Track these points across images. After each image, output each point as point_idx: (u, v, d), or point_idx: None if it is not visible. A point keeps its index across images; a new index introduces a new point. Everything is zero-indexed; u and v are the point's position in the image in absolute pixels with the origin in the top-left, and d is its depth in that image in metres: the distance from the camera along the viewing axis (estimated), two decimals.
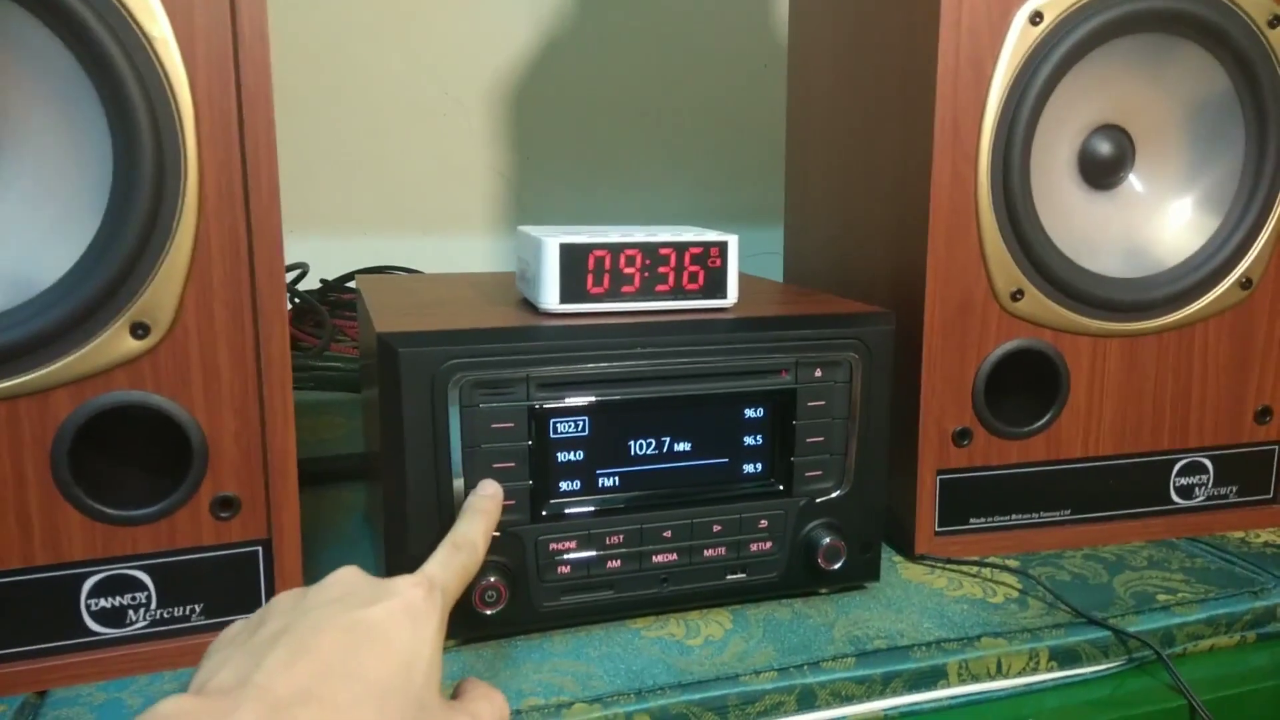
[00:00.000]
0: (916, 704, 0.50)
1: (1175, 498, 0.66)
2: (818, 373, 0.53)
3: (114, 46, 0.42)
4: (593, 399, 0.50)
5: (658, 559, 0.52)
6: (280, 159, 0.46)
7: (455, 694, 0.41)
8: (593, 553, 0.51)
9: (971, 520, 0.62)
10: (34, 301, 0.43)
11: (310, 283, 1.09)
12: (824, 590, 0.57)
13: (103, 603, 0.47)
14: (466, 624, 0.49)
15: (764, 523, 0.54)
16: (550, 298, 0.52)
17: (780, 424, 0.54)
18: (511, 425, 0.49)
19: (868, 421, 0.54)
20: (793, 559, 0.55)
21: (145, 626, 0.48)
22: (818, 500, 0.54)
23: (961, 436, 0.61)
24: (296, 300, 1.05)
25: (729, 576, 0.54)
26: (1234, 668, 0.55)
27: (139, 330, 0.45)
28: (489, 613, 0.49)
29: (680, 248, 0.53)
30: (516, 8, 1.15)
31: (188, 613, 0.48)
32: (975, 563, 0.61)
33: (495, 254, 1.20)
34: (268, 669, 0.33)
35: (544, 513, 0.50)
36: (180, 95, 0.44)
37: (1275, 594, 0.57)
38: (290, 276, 1.06)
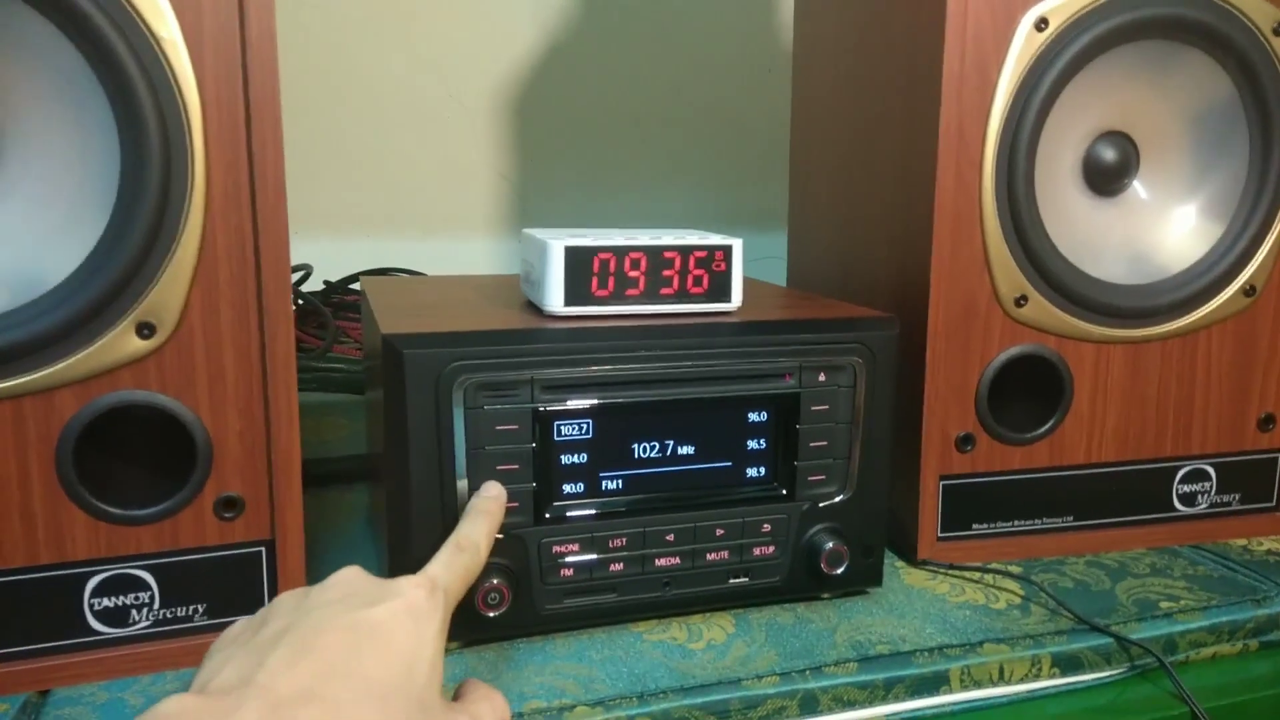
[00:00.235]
0: (919, 709, 0.50)
1: (1178, 505, 0.66)
2: (821, 377, 0.54)
3: (122, 47, 0.42)
4: (596, 402, 0.50)
5: (660, 562, 0.52)
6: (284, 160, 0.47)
7: (456, 695, 0.41)
8: (595, 555, 0.51)
9: (974, 526, 0.62)
10: (40, 301, 0.43)
11: (313, 284, 1.09)
12: (826, 595, 0.57)
13: (106, 602, 0.47)
14: (469, 626, 0.49)
15: (767, 527, 0.54)
16: (555, 300, 0.52)
17: (783, 428, 0.54)
18: (515, 427, 0.49)
19: (871, 426, 0.55)
20: (795, 563, 0.54)
21: (148, 626, 0.48)
22: (821, 505, 0.54)
23: (964, 442, 0.61)
24: (300, 302, 1.05)
25: (731, 580, 0.54)
26: (1236, 676, 0.55)
27: (145, 330, 0.45)
28: (491, 615, 0.49)
29: (685, 251, 0.54)
30: (520, 10, 1.16)
31: (190, 613, 0.48)
32: (978, 568, 0.61)
33: (498, 256, 1.20)
34: (270, 668, 0.33)
35: (547, 515, 0.50)
36: (188, 96, 0.44)
37: (1277, 602, 0.57)
38: (294, 278, 1.06)
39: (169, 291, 0.45)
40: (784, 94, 0.83)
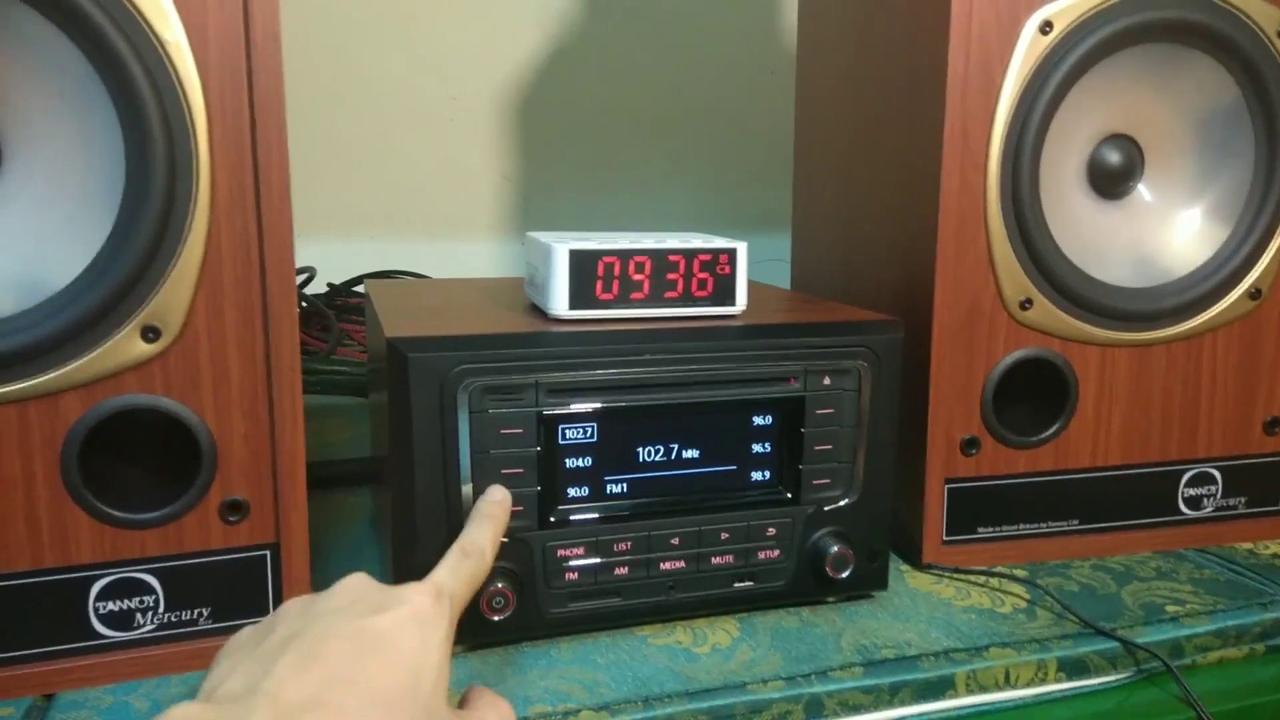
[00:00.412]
0: (925, 714, 0.50)
1: (1184, 508, 0.66)
2: (826, 380, 0.53)
3: (127, 50, 0.42)
4: (601, 405, 0.50)
5: (665, 566, 0.52)
6: None
7: (462, 702, 0.41)
8: (600, 559, 0.51)
9: (979, 529, 0.62)
10: (45, 305, 0.43)
11: (317, 287, 1.09)
12: (831, 599, 0.57)
13: (111, 606, 0.47)
14: (473, 630, 0.49)
15: (772, 530, 0.54)
16: (559, 304, 0.52)
17: (788, 432, 0.54)
18: (520, 431, 0.49)
19: (876, 430, 0.54)
20: (800, 567, 0.54)
21: (153, 630, 0.48)
22: (826, 508, 0.54)
23: (969, 445, 0.60)
24: (303, 304, 1.05)
25: (736, 584, 0.54)
26: (1243, 680, 0.54)
27: (150, 334, 0.45)
28: (496, 619, 0.49)
29: (689, 254, 0.54)
30: (523, 13, 1.16)
31: (195, 616, 0.48)
32: (983, 572, 0.60)
33: (501, 259, 1.20)
34: (276, 676, 0.33)
35: (552, 519, 0.50)
36: (193, 99, 0.44)
37: None
38: (297, 280, 1.06)
39: (174, 295, 0.45)
40: (787, 96, 0.83)
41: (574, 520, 0.51)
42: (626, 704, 0.46)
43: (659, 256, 0.53)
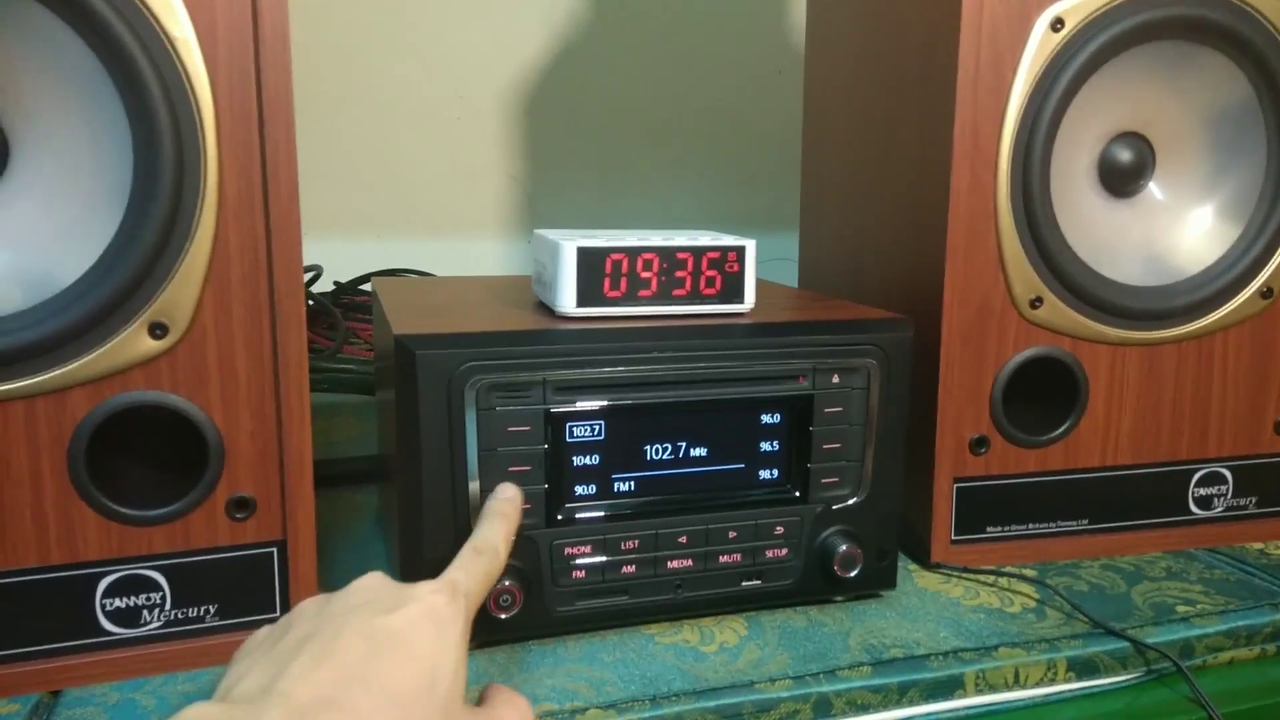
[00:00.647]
0: (933, 714, 0.49)
1: (1194, 508, 0.65)
2: (835, 379, 0.53)
3: (136, 46, 0.42)
4: (609, 403, 0.50)
5: (673, 564, 0.52)
6: None
7: (480, 700, 0.41)
8: (607, 558, 0.51)
9: (988, 529, 0.62)
10: (52, 301, 0.43)
11: (323, 285, 1.09)
12: (839, 598, 0.56)
13: (117, 603, 0.47)
14: (480, 628, 0.48)
15: (780, 529, 0.53)
16: (567, 301, 0.52)
17: (797, 430, 0.53)
18: (528, 429, 0.49)
19: (884, 428, 0.54)
20: (808, 566, 0.54)
21: (160, 627, 0.48)
22: (834, 507, 0.54)
23: (979, 444, 0.60)
24: (310, 302, 1.05)
25: (744, 583, 0.53)
26: (1254, 680, 0.54)
27: (157, 330, 0.45)
28: (503, 617, 0.48)
29: (698, 252, 0.53)
30: (530, 11, 1.16)
31: (202, 614, 0.48)
32: (992, 572, 0.60)
33: (507, 257, 1.20)
34: (290, 676, 0.33)
35: (559, 517, 0.50)
36: (201, 95, 0.44)
37: None
38: (304, 278, 1.06)
39: (181, 291, 0.45)
40: (795, 95, 0.83)
41: (581, 518, 0.50)
42: (634, 703, 0.46)
43: (667, 254, 0.53)
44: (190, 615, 0.48)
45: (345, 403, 0.94)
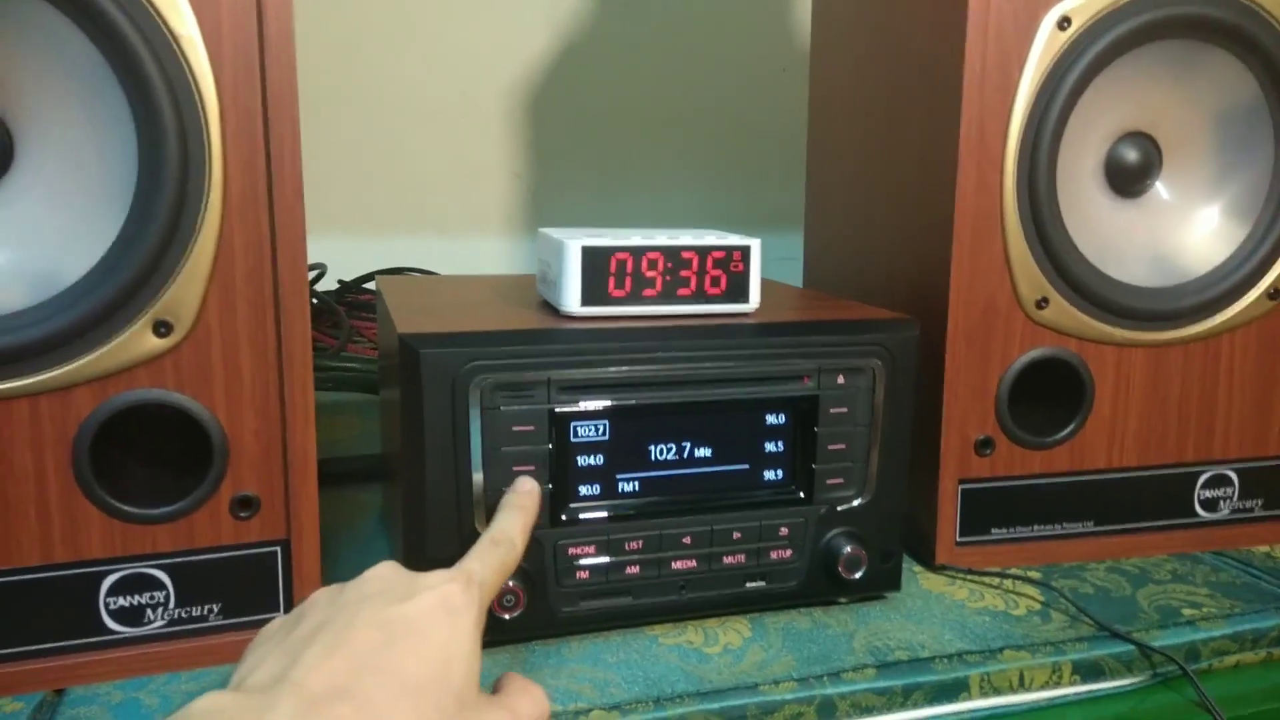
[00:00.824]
0: (938, 716, 0.49)
1: (1200, 510, 0.65)
2: (840, 379, 0.53)
3: (140, 44, 0.42)
4: (613, 403, 0.50)
5: (677, 565, 0.52)
6: None
7: (495, 689, 0.41)
8: (611, 558, 0.51)
9: (993, 530, 0.61)
10: (57, 299, 0.43)
11: (327, 283, 1.09)
12: (844, 599, 0.56)
13: (121, 601, 0.47)
14: (484, 628, 0.48)
15: (784, 530, 0.53)
16: (572, 300, 0.52)
17: (802, 431, 0.53)
18: (532, 428, 0.49)
19: (890, 429, 0.54)
20: (813, 567, 0.54)
21: (163, 626, 0.48)
22: (839, 508, 0.54)
23: (984, 445, 0.60)
24: (314, 301, 1.05)
25: (748, 584, 0.53)
26: (1260, 684, 0.54)
27: (161, 328, 0.45)
28: (507, 617, 0.48)
29: (703, 251, 0.53)
30: (534, 10, 1.15)
31: (206, 612, 0.48)
32: (997, 574, 0.60)
33: (512, 256, 1.20)
34: (304, 665, 0.33)
35: (563, 517, 0.50)
36: (206, 93, 0.44)
37: None
38: (308, 277, 1.06)
39: (186, 290, 0.45)
40: (799, 94, 0.83)
41: (585, 519, 0.50)
42: (637, 704, 0.46)
43: (672, 253, 0.53)
44: (194, 614, 0.48)
45: (349, 401, 0.94)
